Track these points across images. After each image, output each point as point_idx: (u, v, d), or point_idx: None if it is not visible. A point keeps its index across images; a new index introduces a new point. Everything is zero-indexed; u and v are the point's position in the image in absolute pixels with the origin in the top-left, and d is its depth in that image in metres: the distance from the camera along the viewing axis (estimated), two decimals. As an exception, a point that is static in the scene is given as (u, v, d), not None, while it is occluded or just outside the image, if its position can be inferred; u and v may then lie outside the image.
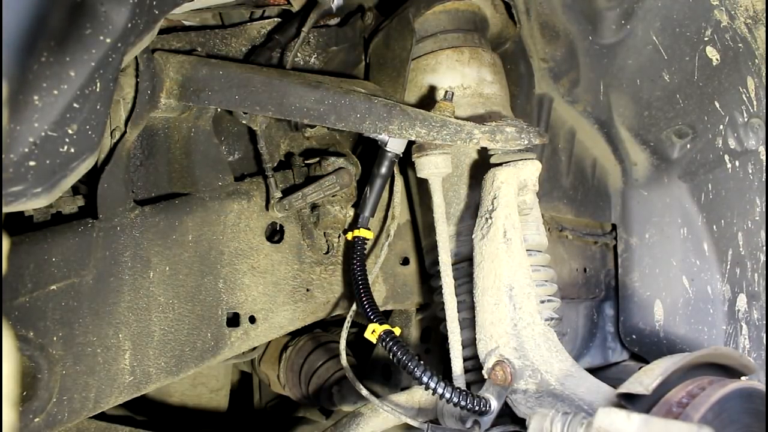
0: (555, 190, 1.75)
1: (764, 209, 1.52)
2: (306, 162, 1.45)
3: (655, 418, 0.86)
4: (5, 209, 0.81)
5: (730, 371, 1.06)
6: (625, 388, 0.98)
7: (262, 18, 1.50)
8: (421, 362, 1.17)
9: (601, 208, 1.85)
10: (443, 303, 1.27)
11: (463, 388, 1.20)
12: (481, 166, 1.38)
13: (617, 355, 1.90)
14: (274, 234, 1.41)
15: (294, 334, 1.95)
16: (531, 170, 1.27)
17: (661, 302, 1.74)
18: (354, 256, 1.34)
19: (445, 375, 1.20)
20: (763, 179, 1.52)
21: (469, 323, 1.30)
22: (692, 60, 1.49)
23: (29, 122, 0.74)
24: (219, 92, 1.24)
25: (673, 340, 1.72)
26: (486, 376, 1.21)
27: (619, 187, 1.83)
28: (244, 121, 1.33)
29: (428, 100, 1.42)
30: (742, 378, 1.05)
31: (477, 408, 1.15)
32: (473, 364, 1.28)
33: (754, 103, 1.47)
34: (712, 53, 1.46)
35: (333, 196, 1.40)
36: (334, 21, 1.54)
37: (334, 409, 1.95)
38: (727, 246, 1.61)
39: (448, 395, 1.14)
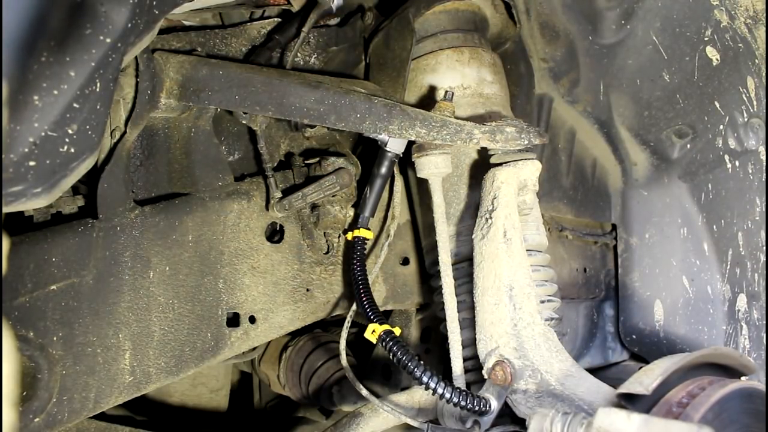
0: (555, 190, 1.75)
1: (764, 209, 1.52)
2: (306, 162, 1.45)
3: (655, 418, 0.86)
4: (5, 209, 0.81)
5: (730, 371, 1.06)
6: (625, 388, 0.98)
7: (262, 18, 1.50)
8: (421, 362, 1.17)
9: (601, 208, 1.85)
10: (443, 303, 1.27)
11: (463, 388, 1.20)
12: (481, 166, 1.38)
13: (617, 355, 1.90)
14: (274, 234, 1.41)
15: (294, 334, 1.95)
16: (531, 170, 1.27)
17: (661, 302, 1.74)
18: (354, 256, 1.34)
19: (445, 375, 1.20)
20: (763, 179, 1.52)
21: (469, 323, 1.30)
22: (692, 60, 1.49)
23: (29, 122, 0.74)
24: (219, 92, 1.24)
25: (673, 340, 1.72)
26: (486, 376, 1.21)
27: (619, 187, 1.83)
28: (244, 121, 1.33)
29: (428, 100, 1.42)
30: (742, 378, 1.05)
31: (477, 408, 1.15)
32: (473, 364, 1.28)
33: (754, 103, 1.47)
34: (712, 53, 1.46)
35: (333, 196, 1.40)
36: (334, 21, 1.54)
37: (334, 409, 1.95)
38: (727, 246, 1.61)
39: (448, 395, 1.14)
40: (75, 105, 0.78)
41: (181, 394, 1.95)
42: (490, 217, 1.24)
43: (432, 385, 1.15)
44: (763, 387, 0.97)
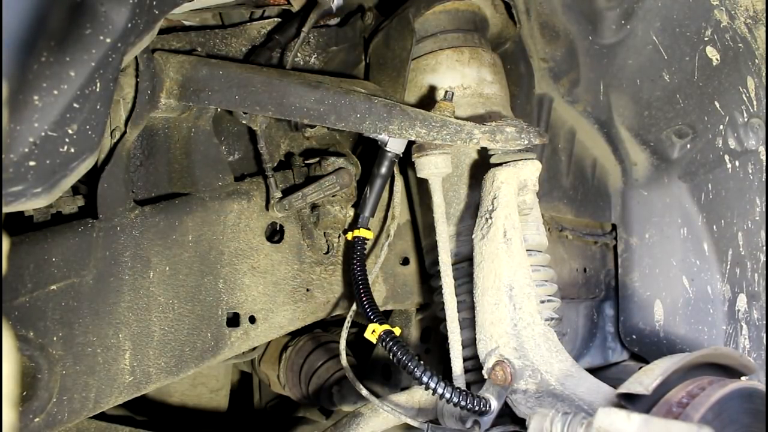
0: (555, 190, 1.75)
1: (764, 209, 1.52)
2: (306, 162, 1.45)
3: (655, 418, 0.86)
4: (5, 209, 0.81)
5: (730, 371, 1.06)
6: (625, 388, 0.98)
7: (262, 18, 1.50)
8: (421, 362, 1.17)
9: (601, 208, 1.85)
10: (443, 303, 1.27)
11: (463, 388, 1.20)
12: (481, 166, 1.38)
13: (617, 355, 1.90)
14: (274, 234, 1.41)
15: (294, 334, 1.95)
16: (531, 170, 1.27)
17: (661, 302, 1.74)
18: (354, 256, 1.34)
19: (445, 375, 1.20)
20: (763, 179, 1.52)
21: (469, 323, 1.30)
22: (692, 60, 1.49)
23: (29, 122, 0.74)
24: (219, 92, 1.24)
25: (673, 340, 1.72)
26: (486, 376, 1.21)
27: (619, 187, 1.83)
28: (244, 121, 1.33)
29: (428, 100, 1.42)
30: (742, 378, 1.05)
31: (477, 408, 1.15)
32: (473, 364, 1.28)
33: (754, 103, 1.47)
34: (712, 53, 1.46)
35: (333, 196, 1.40)
36: (334, 21, 1.54)
37: (334, 409, 1.95)
38: (727, 246, 1.61)
39: (448, 395, 1.14)
40: (75, 105, 0.78)
41: (181, 394, 1.95)
42: (490, 217, 1.24)
43: (432, 385, 1.15)
44: (763, 387, 0.97)
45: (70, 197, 1.17)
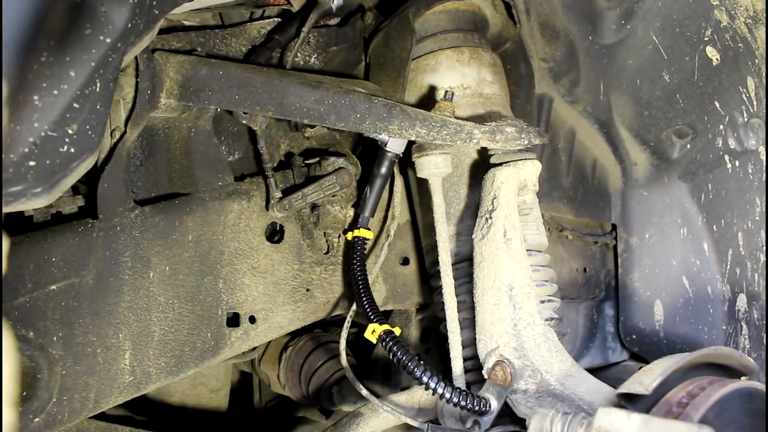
0: (555, 190, 1.75)
1: (764, 209, 1.52)
2: (306, 162, 1.45)
3: (655, 418, 0.86)
4: (5, 209, 0.81)
5: (730, 371, 1.06)
6: (625, 388, 0.98)
7: (262, 18, 1.50)
8: (421, 362, 1.17)
9: (601, 208, 1.85)
10: (443, 303, 1.27)
11: (463, 388, 1.20)
12: (481, 166, 1.38)
13: (617, 355, 1.90)
14: (274, 234, 1.41)
15: (294, 334, 1.95)
16: (531, 170, 1.27)
17: (661, 302, 1.74)
18: (354, 256, 1.33)
19: (445, 375, 1.20)
20: (763, 179, 1.52)
21: (469, 323, 1.30)
22: (692, 60, 1.49)
23: (29, 122, 0.74)
24: (219, 92, 1.24)
25: (673, 340, 1.72)
26: (486, 376, 1.21)
27: (619, 187, 1.83)
28: (244, 121, 1.33)
29: (428, 100, 1.42)
30: (742, 378, 1.05)
31: (477, 408, 1.15)
32: (473, 364, 1.28)
33: (754, 103, 1.47)
34: (712, 53, 1.46)
35: (333, 196, 1.40)
36: (334, 21, 1.54)
37: (334, 409, 1.95)
38: (727, 246, 1.61)
39: (448, 395, 1.14)
40: (75, 105, 0.78)
41: (181, 394, 1.95)
42: (490, 217, 1.24)
43: (432, 385, 1.15)
44: (763, 387, 0.97)
45: (70, 197, 1.17)
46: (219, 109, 1.37)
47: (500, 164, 1.27)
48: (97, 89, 0.81)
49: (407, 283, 1.59)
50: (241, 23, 1.46)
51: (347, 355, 1.37)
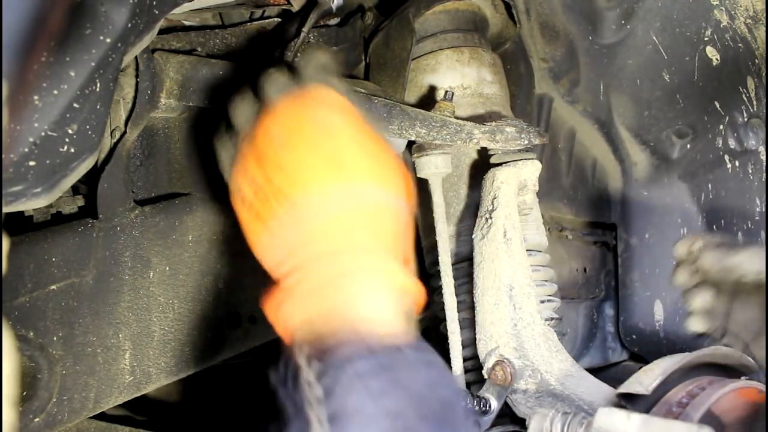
0: (555, 190, 1.75)
1: (764, 209, 1.52)
2: (306, 162, 1.44)
3: (655, 418, 0.87)
4: (5, 209, 0.81)
5: (730, 371, 1.06)
6: (625, 387, 0.98)
7: (262, 18, 1.49)
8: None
9: (601, 208, 1.85)
10: (443, 303, 1.27)
11: (463, 388, 1.20)
12: (481, 166, 1.38)
13: (617, 355, 1.90)
14: (274, 234, 1.40)
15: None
16: (531, 170, 1.27)
17: (661, 302, 1.74)
18: (354, 256, 1.33)
19: (445, 375, 1.19)
20: (763, 179, 1.52)
21: (469, 323, 1.30)
22: (692, 60, 1.49)
23: (29, 122, 0.74)
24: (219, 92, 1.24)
25: (673, 340, 1.72)
26: (486, 376, 1.21)
27: (619, 187, 1.83)
28: (244, 121, 1.32)
29: (428, 100, 1.42)
30: (742, 378, 1.05)
31: (477, 408, 1.15)
32: (473, 364, 1.28)
33: (754, 103, 1.47)
34: (712, 53, 1.46)
35: (333, 196, 1.39)
36: (334, 21, 1.54)
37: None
38: (727, 246, 1.61)
39: (448, 395, 1.14)
40: (75, 105, 0.78)
41: (181, 394, 1.95)
42: (490, 217, 1.24)
43: (432, 385, 1.14)
44: (763, 387, 0.97)
45: (70, 197, 1.16)
46: (219, 109, 1.37)
47: (500, 164, 1.27)
48: (97, 89, 0.81)
49: (407, 283, 1.59)
50: (241, 23, 1.45)
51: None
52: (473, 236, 1.27)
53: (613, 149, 1.77)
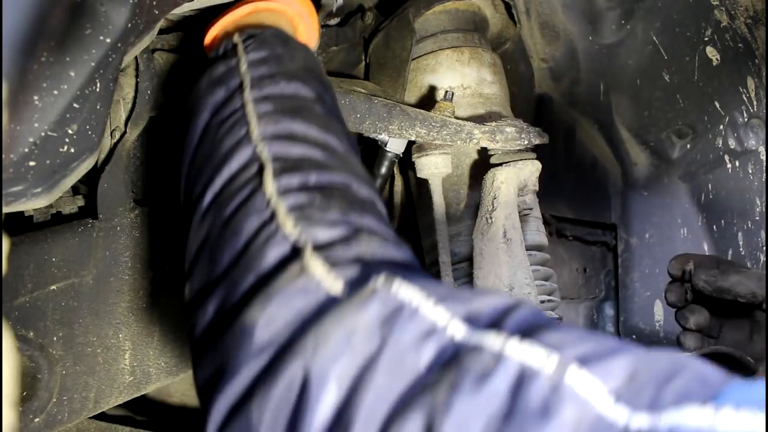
0: (555, 190, 1.75)
1: (764, 209, 1.52)
2: (306, 162, 1.44)
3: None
4: (5, 209, 0.81)
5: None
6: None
7: (262, 18, 1.49)
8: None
9: (601, 208, 1.85)
10: (443, 303, 1.27)
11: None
12: (481, 166, 1.38)
13: (617, 355, 1.90)
14: (274, 234, 1.40)
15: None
16: (531, 170, 1.27)
17: (661, 302, 1.74)
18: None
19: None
20: (763, 179, 1.52)
21: (469, 323, 1.30)
22: (692, 60, 1.49)
23: (29, 122, 0.74)
24: (219, 92, 1.24)
25: (673, 340, 1.72)
26: (486, 376, 1.21)
27: (619, 187, 1.83)
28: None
29: (428, 100, 1.42)
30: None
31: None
32: (473, 364, 1.28)
33: (754, 103, 1.47)
34: (712, 53, 1.46)
35: (333, 196, 1.39)
36: (334, 21, 1.54)
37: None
38: (727, 246, 1.61)
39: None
40: (75, 105, 0.78)
41: (181, 394, 1.95)
42: (490, 217, 1.24)
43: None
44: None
45: (70, 197, 1.16)
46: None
47: (500, 164, 1.27)
48: (97, 89, 0.81)
49: (407, 283, 1.58)
50: (241, 23, 1.45)
51: None
52: (473, 236, 1.27)
53: (613, 149, 1.77)
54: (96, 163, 1.09)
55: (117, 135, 1.17)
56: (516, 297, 1.20)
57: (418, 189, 1.53)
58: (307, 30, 1.09)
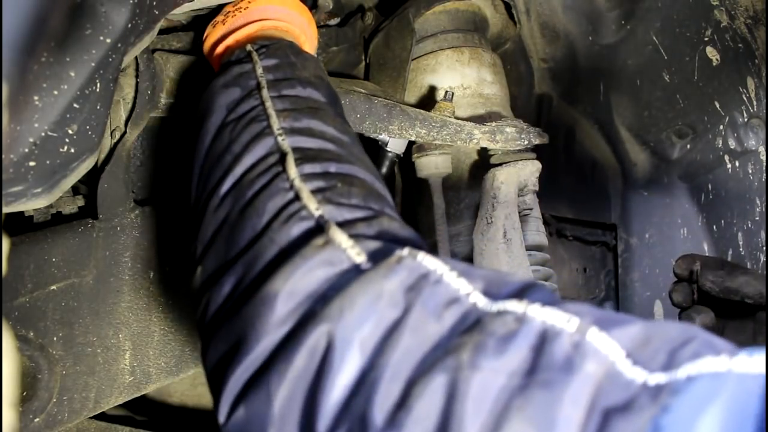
0: (555, 190, 1.75)
1: (764, 209, 1.52)
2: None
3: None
4: (5, 209, 0.81)
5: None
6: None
7: (262, 18, 1.49)
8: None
9: (601, 208, 1.85)
10: (443, 303, 1.27)
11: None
12: (481, 166, 1.38)
13: (617, 355, 1.90)
14: (274, 234, 1.40)
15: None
16: (531, 170, 1.27)
17: (661, 302, 1.74)
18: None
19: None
20: (763, 179, 1.51)
21: (469, 323, 1.30)
22: (692, 60, 1.49)
23: (29, 122, 0.74)
24: (219, 92, 1.24)
25: (673, 340, 1.72)
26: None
27: (619, 187, 1.83)
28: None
29: (428, 100, 1.42)
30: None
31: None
32: (473, 364, 1.28)
33: (754, 103, 1.47)
34: (712, 53, 1.46)
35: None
36: (334, 21, 1.54)
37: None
38: (727, 246, 1.61)
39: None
40: (75, 105, 0.78)
41: (181, 394, 1.95)
42: (490, 217, 1.24)
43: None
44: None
45: (70, 197, 1.16)
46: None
47: (500, 164, 1.27)
48: (98, 89, 0.81)
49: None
50: (241, 23, 1.45)
51: None
52: (473, 236, 1.27)
53: (613, 149, 1.77)
54: (96, 163, 1.09)
55: (117, 135, 1.17)
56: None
57: (418, 189, 1.53)
58: (309, 41, 1.12)
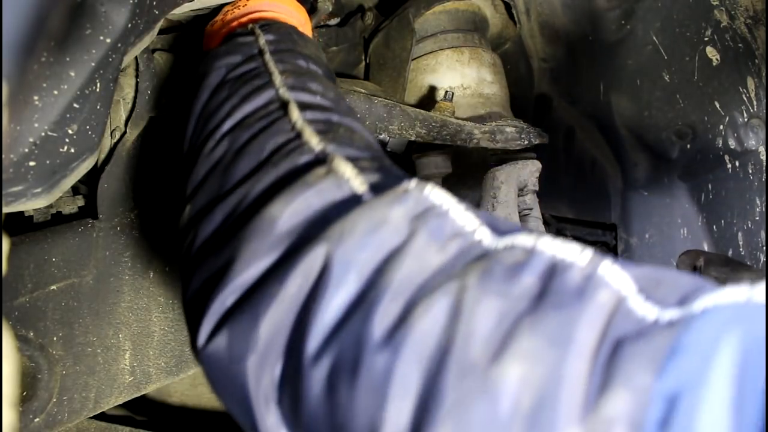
0: (555, 190, 1.75)
1: (764, 209, 1.52)
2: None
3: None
4: (5, 209, 0.81)
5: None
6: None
7: (262, 18, 1.49)
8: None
9: (601, 208, 1.85)
10: (443, 303, 1.27)
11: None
12: (481, 166, 1.38)
13: (617, 355, 1.90)
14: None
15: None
16: (531, 170, 1.27)
17: (661, 302, 1.74)
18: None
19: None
20: (763, 179, 1.52)
21: (469, 323, 1.30)
22: (692, 60, 1.49)
23: (29, 122, 0.74)
24: (219, 92, 1.24)
25: (673, 340, 1.72)
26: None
27: (619, 187, 1.83)
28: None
29: (428, 100, 1.42)
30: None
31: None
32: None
33: (754, 103, 1.47)
34: (712, 53, 1.46)
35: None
36: (334, 21, 1.54)
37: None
38: (727, 246, 1.61)
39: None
40: (75, 105, 0.78)
41: (181, 394, 1.95)
42: (490, 217, 1.24)
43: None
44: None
45: (70, 197, 1.16)
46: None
47: (500, 164, 1.27)
48: (97, 89, 0.81)
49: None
50: (241, 23, 1.45)
51: None
52: (473, 236, 1.26)
53: (613, 149, 1.77)
54: (96, 163, 1.09)
55: (117, 135, 1.17)
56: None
57: (418, 189, 1.53)
58: None
